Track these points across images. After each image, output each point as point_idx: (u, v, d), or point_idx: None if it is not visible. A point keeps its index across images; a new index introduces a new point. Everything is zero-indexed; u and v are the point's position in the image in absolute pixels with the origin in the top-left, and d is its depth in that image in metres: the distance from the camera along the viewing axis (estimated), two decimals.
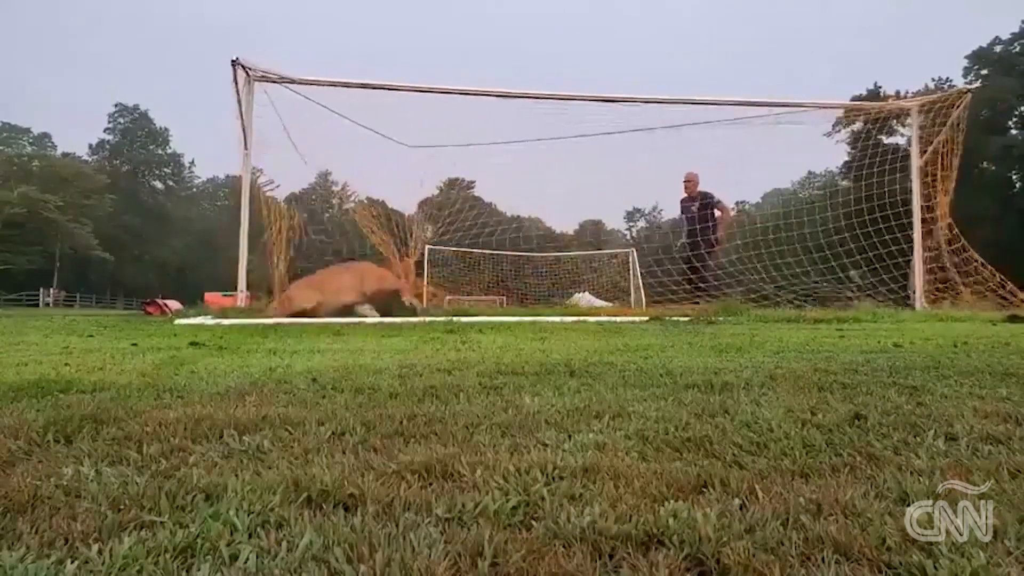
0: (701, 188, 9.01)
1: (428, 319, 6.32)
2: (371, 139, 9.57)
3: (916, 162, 9.22)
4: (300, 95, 8.77)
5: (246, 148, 8.34)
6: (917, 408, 1.66)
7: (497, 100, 9.13)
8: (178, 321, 6.42)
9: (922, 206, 9.11)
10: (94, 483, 1.06)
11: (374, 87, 8.90)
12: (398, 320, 6.18)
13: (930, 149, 9.08)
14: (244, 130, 8.25)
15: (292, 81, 8.60)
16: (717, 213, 8.83)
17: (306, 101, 8.80)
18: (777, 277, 10.06)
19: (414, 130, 9.68)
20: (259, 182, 8.73)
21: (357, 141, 9.57)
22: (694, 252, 8.79)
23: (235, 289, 8.45)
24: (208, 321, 6.29)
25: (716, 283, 8.76)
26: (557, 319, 6.44)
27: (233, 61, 8.07)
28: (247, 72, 8.21)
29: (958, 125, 9.01)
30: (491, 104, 9.18)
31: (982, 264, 8.88)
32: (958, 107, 8.97)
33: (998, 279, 8.73)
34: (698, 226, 8.72)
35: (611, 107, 9.27)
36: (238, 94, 8.15)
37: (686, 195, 9.07)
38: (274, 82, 8.52)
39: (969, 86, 10.06)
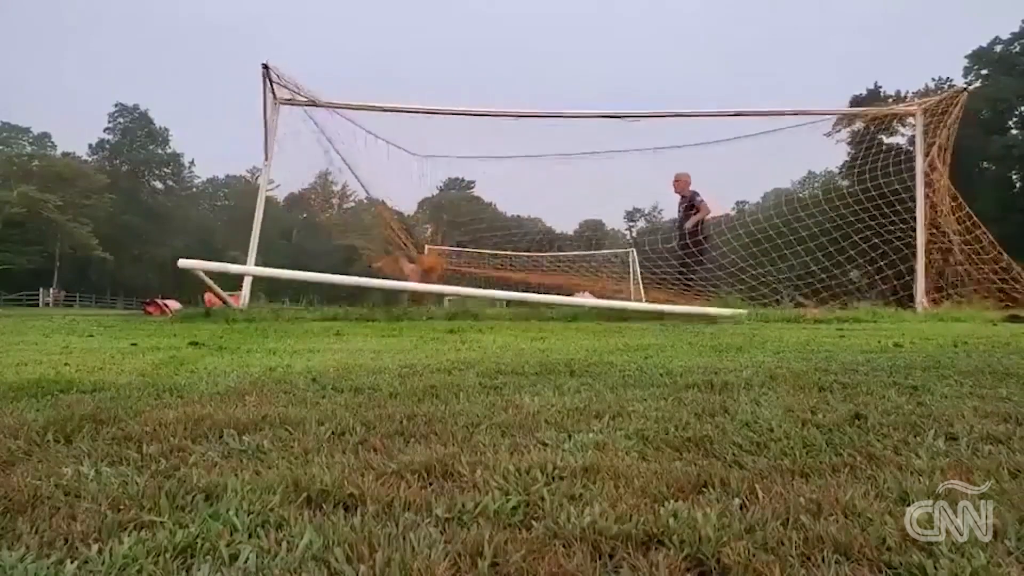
0: (693, 187, 8.95)
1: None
2: (371, 141, 9.62)
3: (920, 163, 9.19)
4: (319, 106, 8.87)
5: (267, 159, 8.54)
6: (917, 408, 1.66)
7: (500, 117, 9.17)
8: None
9: (926, 207, 9.09)
10: (94, 483, 1.06)
11: (390, 110, 9.02)
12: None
13: (933, 150, 9.07)
14: (267, 143, 8.38)
15: (316, 104, 8.76)
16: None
17: (317, 112, 8.93)
18: (777, 276, 10.06)
19: (417, 137, 9.75)
20: (258, 181, 8.81)
21: (357, 142, 9.60)
22: (683, 252, 8.84)
23: (235, 289, 8.44)
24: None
25: (707, 282, 8.80)
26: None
27: (264, 65, 8.04)
28: (274, 93, 8.25)
29: (954, 124, 9.00)
30: (495, 119, 9.23)
31: (995, 253, 8.85)
32: (955, 106, 8.96)
33: (1004, 264, 8.70)
34: (686, 226, 8.73)
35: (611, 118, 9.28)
36: (264, 105, 8.19)
37: (678, 196, 9.08)
38: (298, 104, 8.68)
39: (967, 85, 10.00)
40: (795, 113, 9.65)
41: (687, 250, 8.69)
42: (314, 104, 8.66)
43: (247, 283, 8.21)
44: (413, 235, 11.67)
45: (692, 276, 8.72)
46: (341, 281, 7.81)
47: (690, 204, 8.73)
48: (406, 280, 9.63)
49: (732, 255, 10.40)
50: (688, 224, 8.64)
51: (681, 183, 8.95)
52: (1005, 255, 8.82)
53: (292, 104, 8.55)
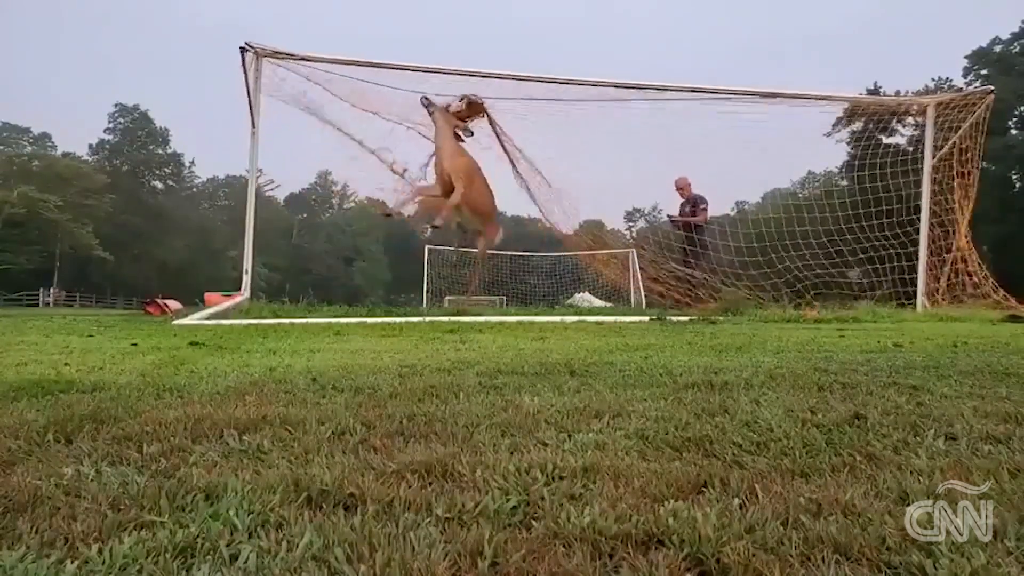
0: (696, 191, 9.31)
1: (428, 319, 6.32)
2: (372, 139, 9.46)
3: (929, 161, 9.13)
4: (306, 76, 8.63)
5: (254, 127, 8.18)
6: (917, 408, 1.66)
7: (500, 84, 8.93)
8: (176, 321, 6.42)
9: (932, 208, 9.08)
10: (94, 483, 1.06)
11: (379, 66, 8.67)
12: (398, 320, 6.18)
13: (944, 149, 9.02)
14: (252, 109, 8.11)
15: (299, 58, 8.34)
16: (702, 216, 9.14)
17: (313, 82, 8.62)
18: (777, 277, 10.07)
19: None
20: (259, 181, 8.70)
21: (359, 137, 9.47)
22: (687, 252, 9.07)
23: (235, 289, 8.43)
24: (208, 321, 6.28)
25: (709, 282, 8.97)
26: (557, 319, 6.43)
27: (242, 48, 7.97)
28: (255, 52, 8.07)
29: (978, 126, 8.96)
30: (496, 88, 8.98)
31: (984, 273, 8.87)
32: (980, 107, 8.90)
33: (991, 284, 8.73)
34: (675, 220, 9.24)
35: (611, 108, 9.22)
36: (246, 75, 8.04)
37: (682, 199, 9.38)
38: (281, 58, 8.32)
39: (989, 87, 9.89)
40: (808, 97, 9.61)
41: (688, 242, 8.96)
42: (295, 57, 8.20)
43: (246, 284, 8.21)
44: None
45: (694, 269, 8.92)
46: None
47: (693, 205, 9.13)
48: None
49: (732, 255, 10.40)
50: (678, 219, 9.20)
51: (685, 189, 9.34)
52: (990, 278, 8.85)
53: (277, 57, 8.18)
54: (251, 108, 8.14)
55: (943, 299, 8.76)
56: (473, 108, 7.25)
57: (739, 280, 9.80)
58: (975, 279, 8.77)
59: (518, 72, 8.82)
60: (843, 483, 1.06)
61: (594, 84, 9.03)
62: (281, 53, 8.33)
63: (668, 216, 9.82)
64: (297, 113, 8.72)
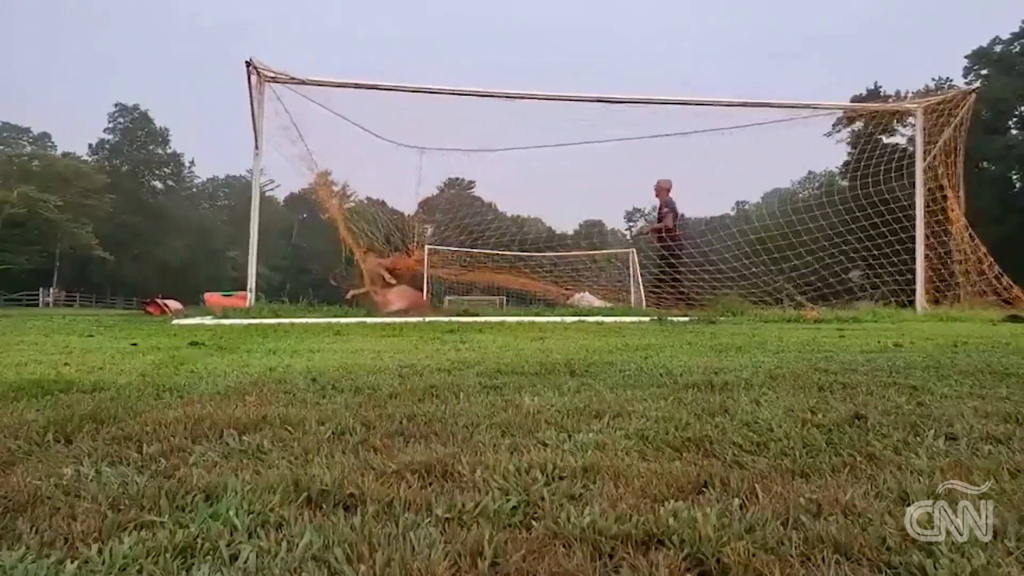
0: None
1: (429, 319, 6.32)
2: (373, 140, 9.56)
3: (920, 163, 9.19)
4: (308, 98, 8.76)
5: (257, 148, 8.35)
6: (917, 408, 1.66)
7: (500, 102, 9.07)
8: (176, 321, 6.42)
9: (926, 205, 9.10)
10: (94, 483, 1.06)
11: (381, 88, 8.86)
12: (398, 320, 6.18)
13: (935, 150, 9.06)
14: (255, 130, 8.24)
15: (302, 82, 8.56)
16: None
17: (314, 102, 8.78)
18: (777, 277, 10.07)
19: (416, 131, 9.65)
20: (259, 181, 8.74)
21: (360, 141, 9.57)
22: (662, 246, 9.26)
23: (235, 289, 8.45)
24: (208, 321, 6.28)
25: (686, 284, 9.08)
26: (557, 319, 6.43)
27: (247, 63, 8.05)
28: (259, 73, 8.20)
29: (961, 125, 9.02)
30: (495, 106, 9.14)
31: (988, 260, 8.89)
32: (962, 107, 8.96)
33: (997, 273, 8.75)
34: (643, 232, 9.43)
35: (611, 109, 9.26)
36: (251, 95, 8.14)
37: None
38: (284, 83, 8.50)
39: (972, 86, 9.92)
40: (799, 107, 9.65)
41: (664, 249, 9.04)
42: (297, 81, 8.51)
43: (251, 283, 8.21)
44: (406, 236, 10.56)
45: (677, 274, 8.97)
46: None
47: (660, 212, 9.19)
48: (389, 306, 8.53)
49: (732, 257, 10.40)
50: (646, 229, 9.29)
51: (662, 191, 9.32)
52: (996, 266, 8.87)
53: (276, 82, 8.41)
54: (255, 128, 8.22)
55: (941, 296, 8.77)
56: (396, 267, 9.04)
57: (742, 280, 9.82)
58: (982, 275, 8.78)
59: (510, 89, 9.06)
60: (843, 483, 1.06)
61: (586, 100, 9.16)
62: (281, 76, 8.42)
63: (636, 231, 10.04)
64: (298, 115, 8.79)
